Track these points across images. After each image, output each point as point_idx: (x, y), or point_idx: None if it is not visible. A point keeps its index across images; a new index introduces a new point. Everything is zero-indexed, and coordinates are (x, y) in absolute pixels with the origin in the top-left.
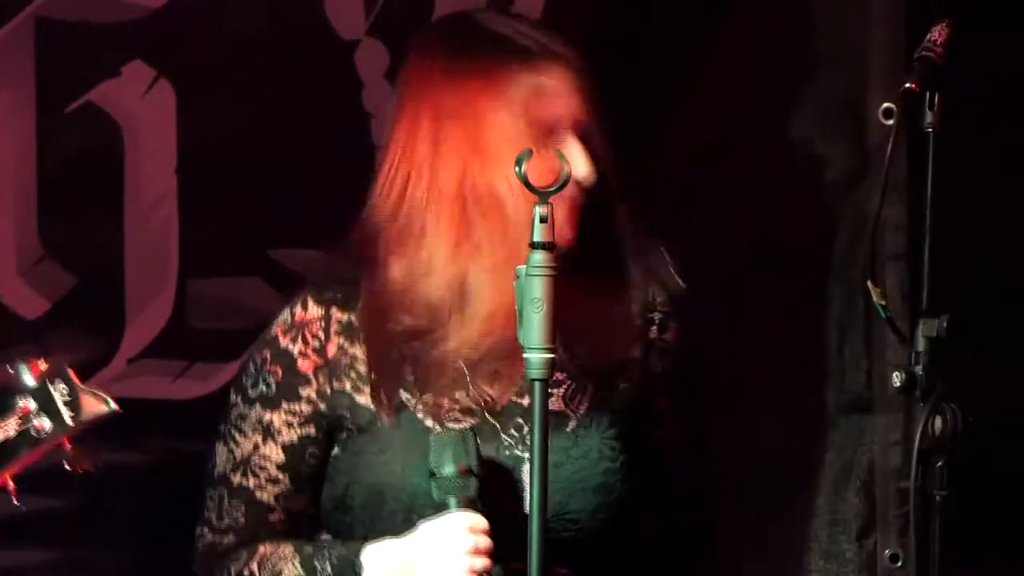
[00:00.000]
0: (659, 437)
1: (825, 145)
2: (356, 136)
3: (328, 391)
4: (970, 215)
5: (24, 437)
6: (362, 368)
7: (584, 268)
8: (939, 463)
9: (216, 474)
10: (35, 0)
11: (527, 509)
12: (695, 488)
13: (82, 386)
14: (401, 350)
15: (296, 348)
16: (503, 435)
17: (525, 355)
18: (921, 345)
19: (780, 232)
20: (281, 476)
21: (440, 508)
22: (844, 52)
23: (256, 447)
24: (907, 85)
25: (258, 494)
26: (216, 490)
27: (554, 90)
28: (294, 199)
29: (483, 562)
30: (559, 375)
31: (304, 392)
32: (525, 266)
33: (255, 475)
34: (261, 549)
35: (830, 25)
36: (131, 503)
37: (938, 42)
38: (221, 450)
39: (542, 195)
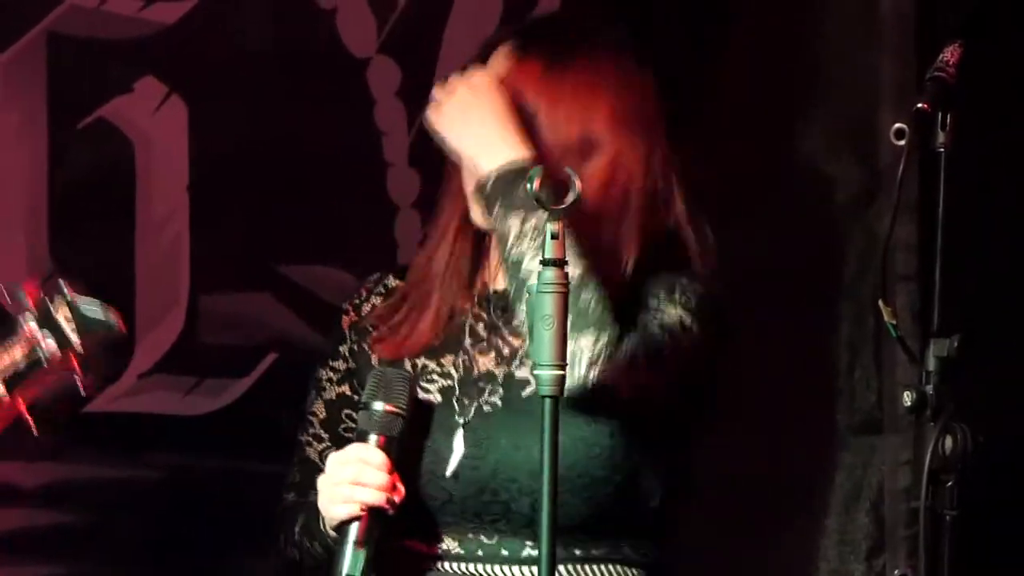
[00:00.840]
0: (647, 322)
1: (836, 165)
2: (368, 153)
3: (356, 348)
4: (981, 235)
5: (34, 362)
6: (383, 329)
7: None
8: (949, 483)
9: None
10: (48, 16)
11: (447, 472)
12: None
13: (84, 306)
14: (406, 312)
15: (345, 305)
16: (455, 403)
17: (535, 372)
18: (932, 365)
19: (791, 252)
20: (323, 433)
21: (361, 438)
22: (855, 73)
23: (311, 403)
24: (919, 105)
25: (307, 451)
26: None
27: (524, 68)
28: (305, 215)
29: (365, 493)
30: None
31: (342, 349)
32: (536, 283)
33: (306, 431)
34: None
35: (841, 46)
36: (141, 519)
37: (950, 62)
38: None
39: (553, 213)
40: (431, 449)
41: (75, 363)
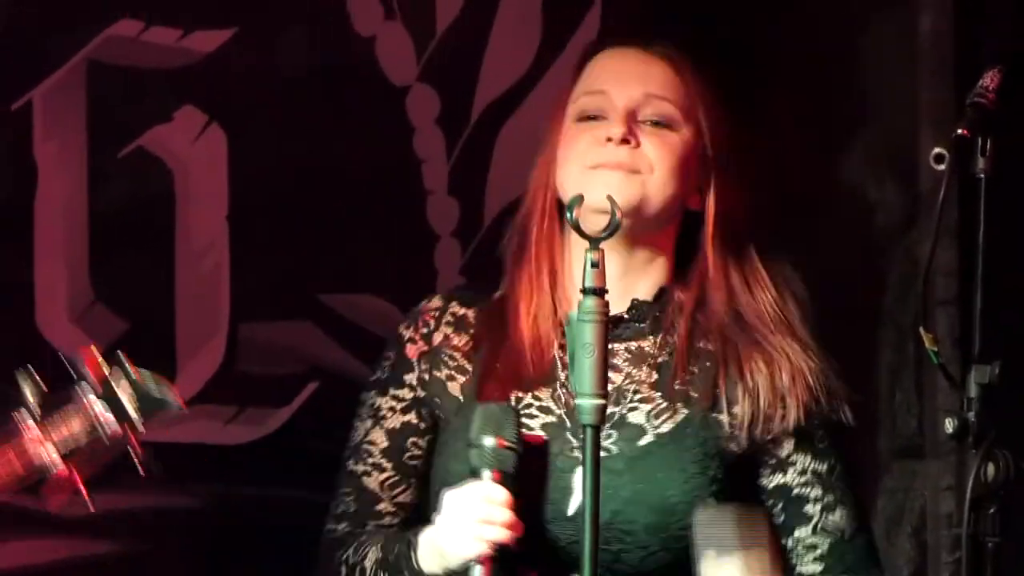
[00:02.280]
0: (786, 484)
1: (876, 190)
2: (407, 181)
3: (427, 378)
4: (1022, 261)
5: (93, 436)
6: (460, 358)
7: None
8: (991, 509)
9: (342, 462)
10: (87, 45)
11: (568, 511)
12: (852, 531)
13: (143, 378)
14: (502, 346)
15: (408, 334)
16: (570, 437)
17: (576, 401)
18: (973, 391)
19: (831, 277)
20: (385, 463)
21: (475, 475)
22: (895, 98)
23: (367, 432)
24: (959, 131)
25: (365, 480)
26: (339, 478)
27: (606, 69)
28: (344, 244)
29: (494, 531)
30: (652, 394)
31: (408, 378)
32: (576, 312)
33: (364, 461)
34: (363, 536)
35: (881, 71)
36: (182, 548)
37: (990, 88)
38: (350, 440)
39: (593, 241)
40: (556, 486)
41: (133, 439)
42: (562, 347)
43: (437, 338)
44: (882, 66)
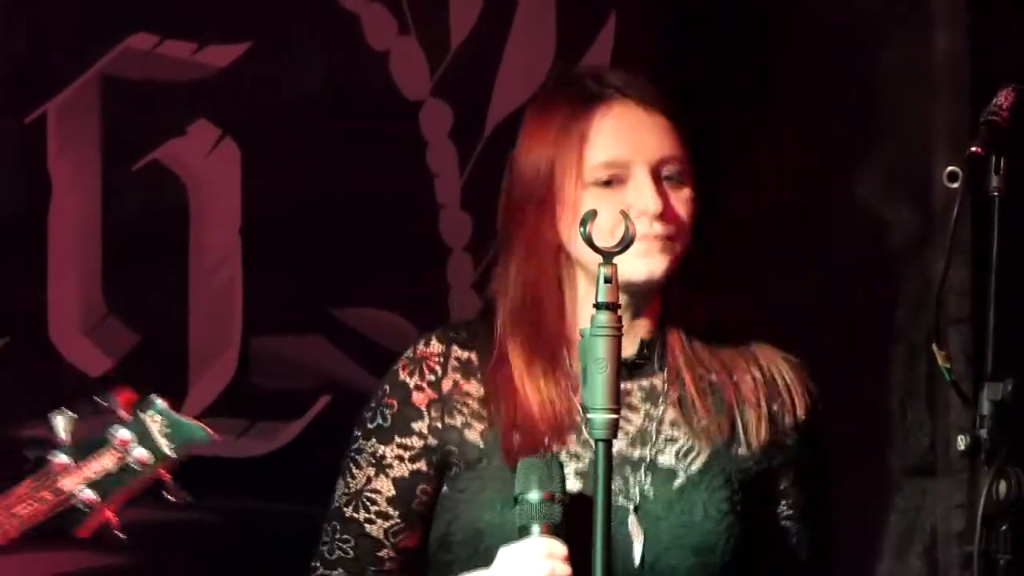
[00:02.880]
0: (779, 516)
1: (890, 209)
2: (420, 195)
3: (439, 426)
4: None
5: (125, 470)
6: (475, 404)
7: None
8: (1003, 527)
9: (332, 507)
10: (101, 59)
11: (635, 560)
12: (812, 567)
13: (174, 413)
14: (517, 390)
15: (413, 381)
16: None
17: (589, 415)
18: (986, 408)
19: (844, 295)
20: (391, 511)
21: (523, 533)
22: (910, 116)
23: (368, 480)
24: (972, 149)
25: (368, 528)
26: (331, 523)
27: (612, 132)
28: (357, 258)
29: None
30: (675, 433)
31: (416, 426)
32: (589, 327)
33: (366, 508)
34: None
35: (895, 89)
36: (193, 561)
37: (1004, 106)
38: (340, 483)
39: (606, 256)
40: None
41: (165, 473)
42: (575, 388)
43: (447, 385)
44: (897, 84)
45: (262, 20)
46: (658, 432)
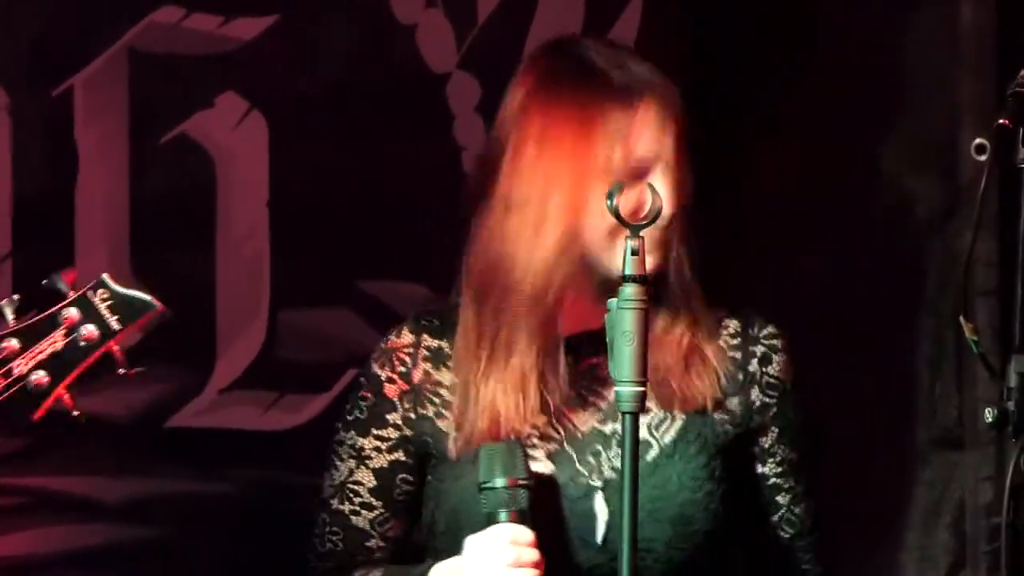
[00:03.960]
0: (764, 473)
1: (917, 181)
2: (447, 168)
3: (413, 416)
4: None
5: (73, 347)
6: (446, 394)
7: (670, 299)
8: None
9: (321, 499)
10: (129, 32)
11: (597, 538)
12: (811, 524)
13: (121, 288)
14: (485, 375)
15: (385, 373)
16: (578, 464)
17: (616, 388)
18: (1013, 381)
19: (871, 268)
20: (375, 502)
21: (490, 521)
22: (936, 89)
23: (351, 472)
24: (1000, 121)
25: (354, 519)
26: (320, 515)
27: (643, 130)
28: (384, 231)
29: (527, 574)
30: (649, 404)
31: (390, 417)
32: (616, 299)
33: (350, 500)
34: (356, 573)
35: (922, 62)
36: (221, 534)
37: None
38: (327, 476)
39: (634, 229)
40: (575, 514)
41: (115, 347)
42: (548, 368)
43: (417, 375)
44: (923, 57)
45: None
46: None
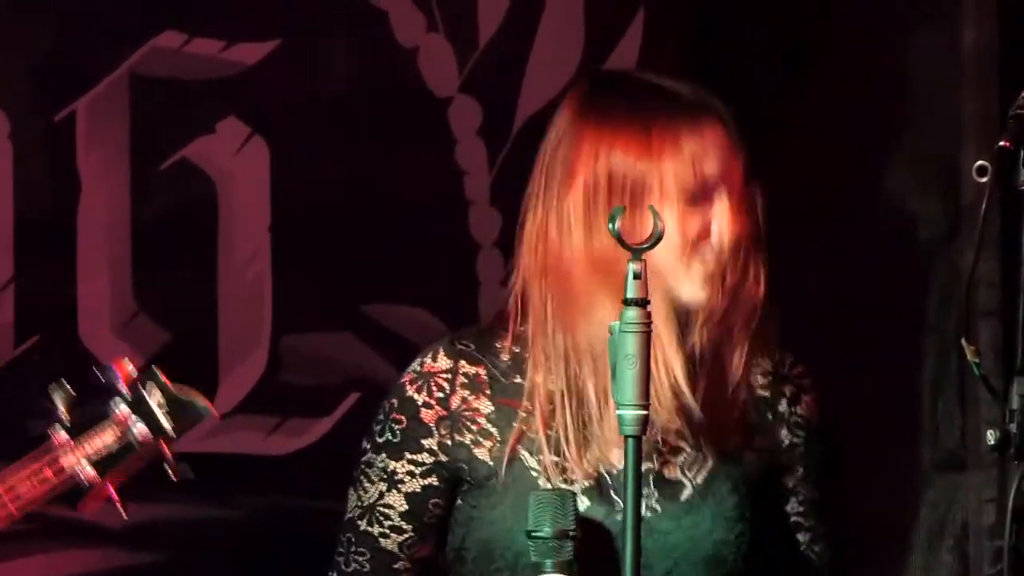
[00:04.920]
0: (787, 512)
1: (919, 202)
2: (449, 192)
3: (449, 443)
4: None
5: (125, 447)
6: (483, 422)
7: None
8: None
9: (346, 518)
10: (130, 57)
11: None
12: (830, 560)
13: (175, 388)
14: (526, 407)
15: (421, 398)
16: (616, 498)
17: (619, 412)
18: (1016, 403)
19: (874, 288)
20: (405, 525)
21: (537, 569)
22: (938, 110)
23: (381, 495)
24: (1001, 143)
25: (382, 542)
26: (346, 534)
27: (712, 149)
28: (387, 255)
29: None
30: (680, 443)
31: (426, 443)
32: (619, 322)
33: (380, 523)
34: None
35: (924, 82)
36: (223, 558)
37: None
38: (352, 495)
39: (636, 252)
40: (613, 551)
41: (165, 448)
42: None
43: (455, 402)
44: (926, 78)
45: (290, 18)
46: (663, 443)
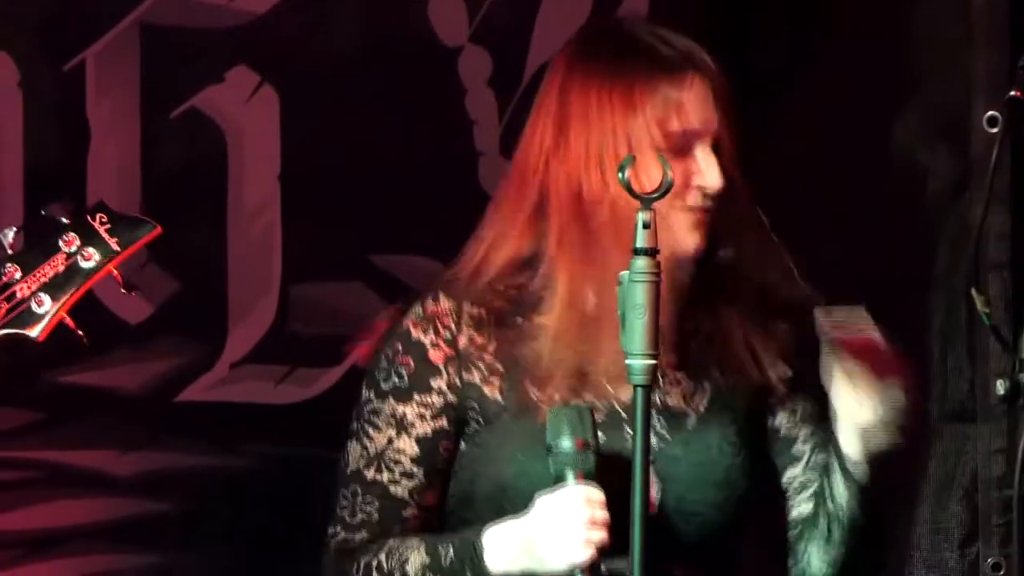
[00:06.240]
0: (779, 427)
1: (929, 154)
2: (459, 142)
3: (458, 382)
4: None
5: (74, 269)
6: (491, 360)
7: (708, 274)
8: None
9: (349, 471)
10: (140, 6)
11: (655, 507)
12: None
13: (120, 213)
14: (530, 346)
15: (428, 339)
16: (626, 426)
17: (628, 361)
18: None
19: (883, 241)
20: (415, 470)
21: (557, 482)
22: (948, 62)
23: (390, 441)
24: (1012, 94)
25: (392, 488)
26: (350, 487)
27: (692, 102)
28: (396, 205)
29: (600, 534)
30: (679, 374)
31: (435, 383)
32: (628, 272)
33: (389, 469)
34: (390, 542)
35: (934, 35)
36: (233, 507)
37: None
38: (354, 447)
39: (645, 201)
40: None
41: (114, 271)
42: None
43: (462, 341)
44: (936, 31)
45: None
46: (663, 375)
